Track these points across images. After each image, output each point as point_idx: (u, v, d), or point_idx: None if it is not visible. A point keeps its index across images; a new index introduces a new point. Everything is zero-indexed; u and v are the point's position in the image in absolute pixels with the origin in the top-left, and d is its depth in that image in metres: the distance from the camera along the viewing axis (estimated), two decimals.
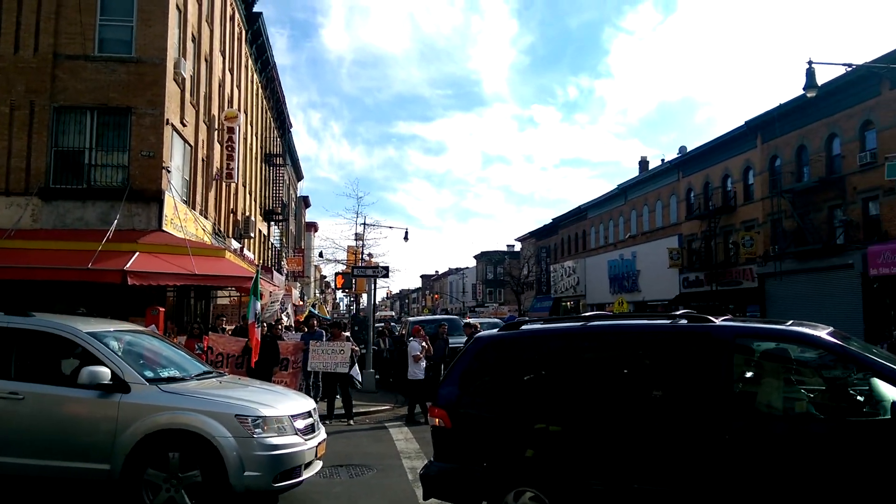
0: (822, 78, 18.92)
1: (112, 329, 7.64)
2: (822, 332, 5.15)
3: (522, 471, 5.61)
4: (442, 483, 5.99)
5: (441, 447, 6.11)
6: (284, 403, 7.13)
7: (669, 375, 5.48)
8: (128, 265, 14.33)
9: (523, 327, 6.42)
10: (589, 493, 5.30)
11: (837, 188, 26.68)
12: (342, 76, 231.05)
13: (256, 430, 6.47)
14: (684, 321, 5.62)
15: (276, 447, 6.54)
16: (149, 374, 6.94)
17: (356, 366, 14.36)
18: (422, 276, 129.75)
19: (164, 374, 7.22)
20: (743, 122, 32.87)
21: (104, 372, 6.47)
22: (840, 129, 26.79)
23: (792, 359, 5.37)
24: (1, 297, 15.99)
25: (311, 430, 7.21)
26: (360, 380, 14.71)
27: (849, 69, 21.31)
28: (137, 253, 15.18)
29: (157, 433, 6.39)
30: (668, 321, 5.73)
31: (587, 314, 6.52)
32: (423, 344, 14.24)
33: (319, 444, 7.26)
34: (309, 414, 7.34)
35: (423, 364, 14.00)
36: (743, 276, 32.81)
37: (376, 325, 24.97)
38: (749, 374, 5.54)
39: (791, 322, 5.72)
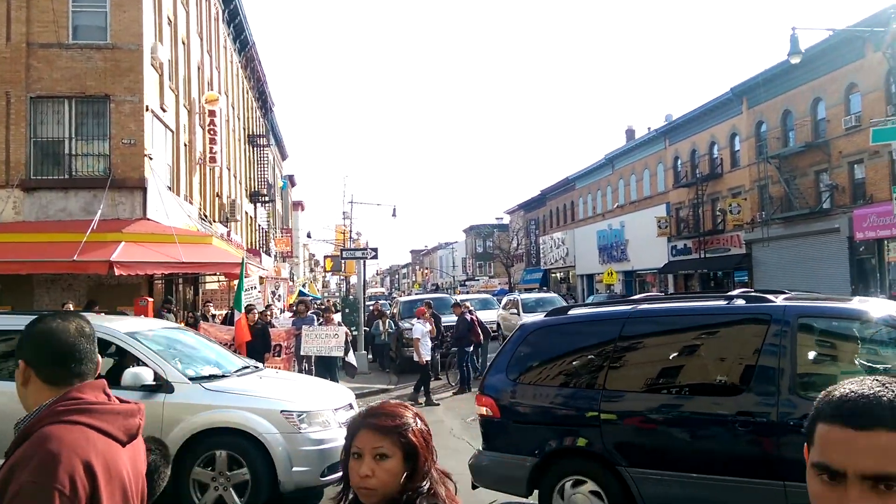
0: (805, 43, 18.85)
1: (148, 327, 7.53)
2: (892, 310, 4.98)
3: (576, 460, 5.51)
4: (492, 473, 5.93)
5: (490, 437, 6.02)
6: (326, 396, 7.10)
7: (728, 359, 5.26)
8: (114, 255, 14.17)
9: (571, 312, 6.28)
10: (647, 484, 5.10)
11: (823, 152, 26.75)
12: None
13: (302, 425, 6.49)
14: (741, 301, 5.41)
15: (322, 441, 6.55)
16: (190, 372, 6.85)
17: (351, 350, 14.39)
18: (411, 251, 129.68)
19: (205, 371, 7.14)
20: (728, 89, 32.80)
21: (147, 373, 6.38)
22: (825, 92, 26.77)
23: (857, 337, 5.11)
24: None
25: None
26: (356, 364, 14.77)
27: (832, 33, 21.22)
28: (123, 242, 15.01)
29: (203, 432, 6.36)
30: (724, 301, 5.54)
31: (636, 297, 6.26)
32: (428, 325, 14.39)
33: None
34: (350, 406, 7.31)
35: (429, 345, 14.28)
36: (731, 242, 33.03)
37: (367, 304, 24.99)
38: (813, 355, 5.27)
39: (857, 299, 5.59)
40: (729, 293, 5.84)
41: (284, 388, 7.15)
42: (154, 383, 6.37)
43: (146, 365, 6.49)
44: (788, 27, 18.17)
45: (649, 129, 43.60)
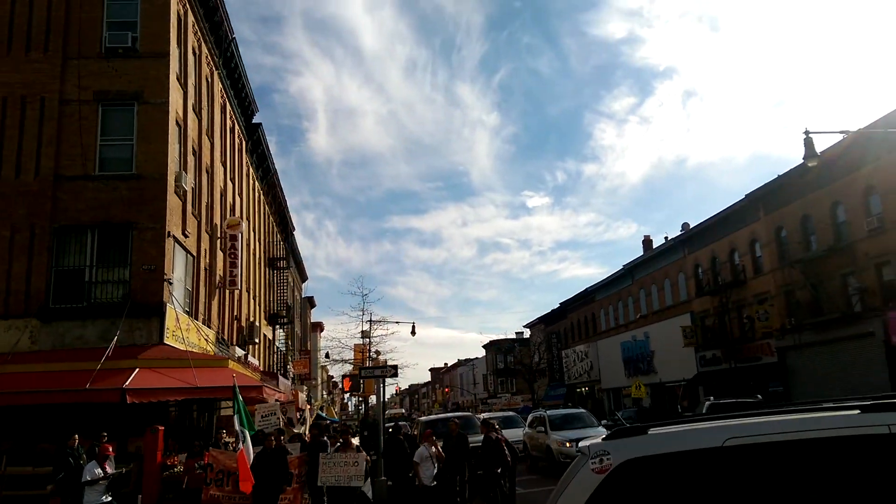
0: (819, 146, 18.94)
1: None
2: None
3: None
4: None
5: None
6: None
7: None
8: (126, 383, 13.82)
9: None
10: None
11: (848, 255, 26.33)
12: (332, 177, 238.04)
13: None
14: None
15: None
16: None
17: (368, 479, 13.52)
18: (431, 370, 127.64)
19: None
20: (743, 195, 32.97)
21: None
22: (843, 195, 26.72)
23: None
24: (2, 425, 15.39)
25: None
26: (371, 495, 13.79)
27: (845, 136, 21.40)
28: (137, 369, 14.69)
29: None
30: None
31: None
32: (433, 449, 13.59)
33: None
34: None
35: (432, 471, 13.36)
36: (761, 351, 31.98)
37: (386, 424, 23.97)
38: None
39: None
40: None
41: None
42: None
43: None
44: (801, 132, 18.30)
45: (666, 238, 43.63)
